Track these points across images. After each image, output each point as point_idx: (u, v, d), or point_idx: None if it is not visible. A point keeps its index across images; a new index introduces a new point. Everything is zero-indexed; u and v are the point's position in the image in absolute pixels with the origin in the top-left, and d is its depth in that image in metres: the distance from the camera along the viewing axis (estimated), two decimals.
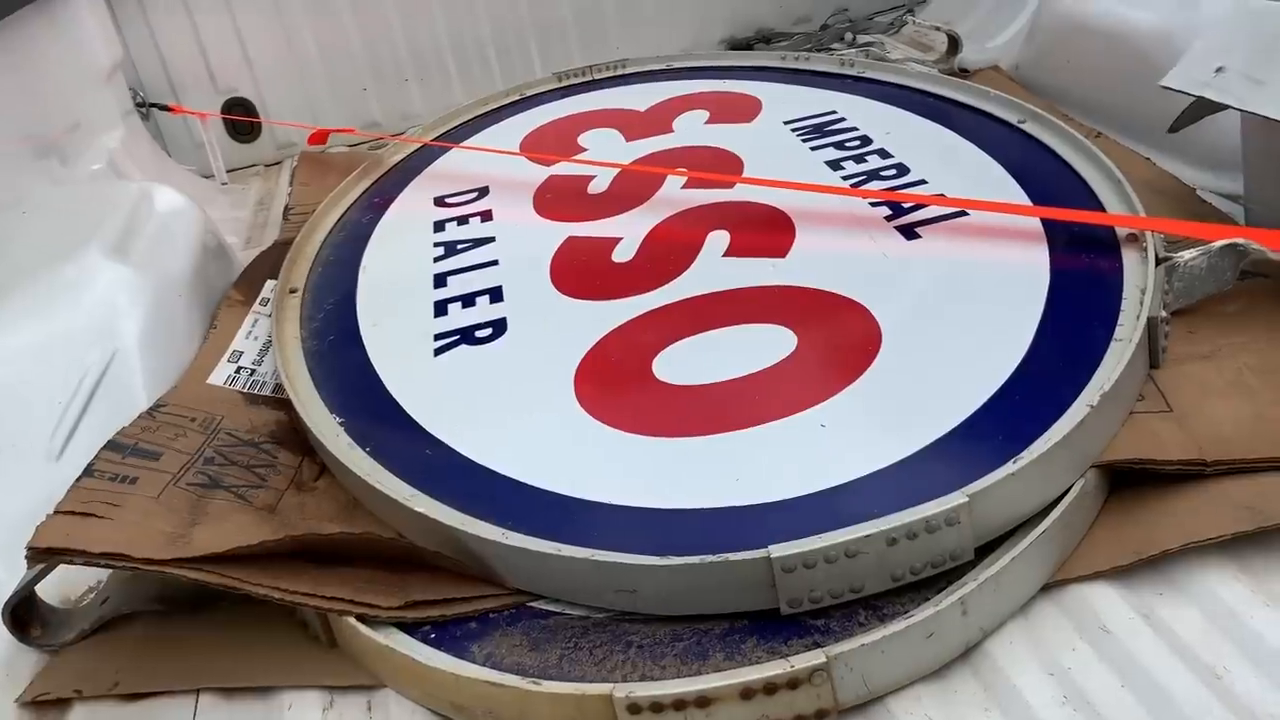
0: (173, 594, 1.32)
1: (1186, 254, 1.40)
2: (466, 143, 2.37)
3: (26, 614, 1.28)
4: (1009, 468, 1.11)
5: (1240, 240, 1.39)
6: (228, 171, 2.87)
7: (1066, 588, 1.13)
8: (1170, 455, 1.19)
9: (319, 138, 2.64)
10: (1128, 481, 1.22)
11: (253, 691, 1.20)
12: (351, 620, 1.17)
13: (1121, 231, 1.51)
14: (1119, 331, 1.32)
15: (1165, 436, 1.22)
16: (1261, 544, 1.13)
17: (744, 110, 2.30)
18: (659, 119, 2.33)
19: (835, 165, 1.95)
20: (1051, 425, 1.18)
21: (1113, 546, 1.15)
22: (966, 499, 1.08)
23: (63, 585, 1.36)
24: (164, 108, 2.83)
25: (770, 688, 1.00)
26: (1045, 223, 1.60)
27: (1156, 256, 1.41)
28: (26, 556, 1.19)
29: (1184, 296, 1.40)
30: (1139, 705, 1.00)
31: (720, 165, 2.02)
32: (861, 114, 2.16)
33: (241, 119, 2.90)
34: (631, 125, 2.31)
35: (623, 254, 1.78)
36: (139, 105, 2.79)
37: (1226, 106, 1.50)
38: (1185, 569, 1.13)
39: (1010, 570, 1.08)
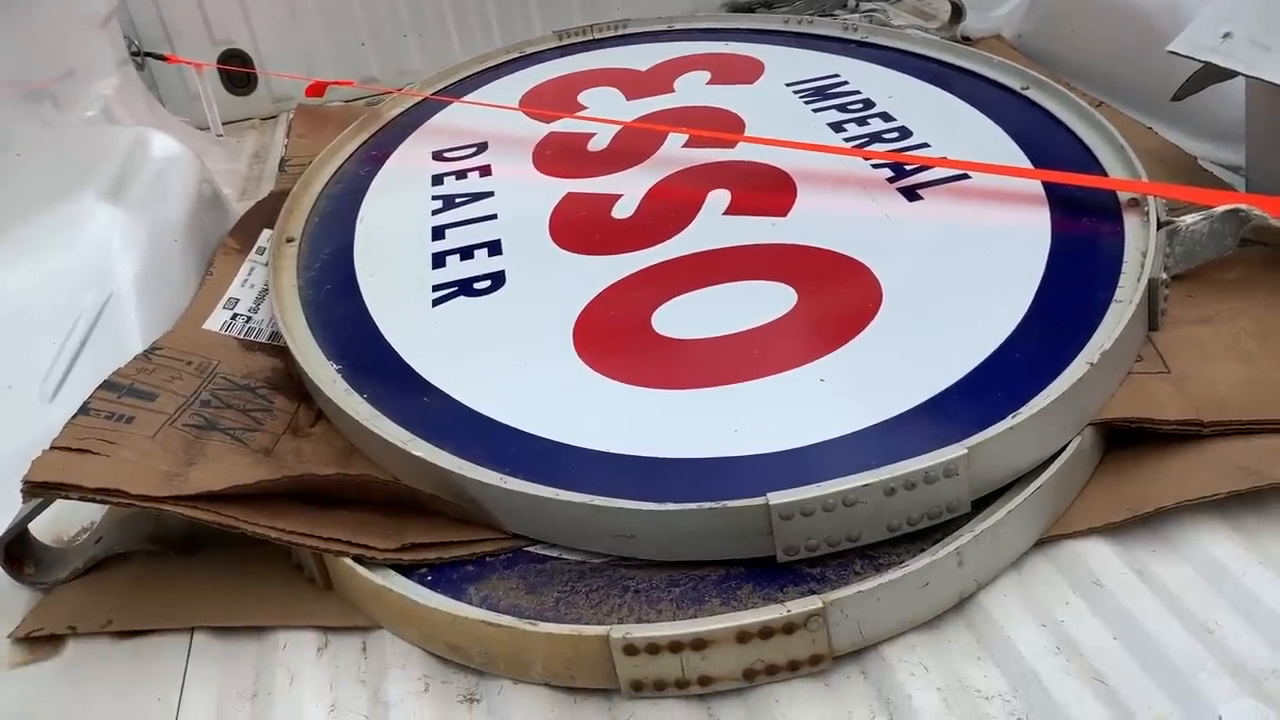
0: (167, 534, 1.32)
1: (1188, 218, 1.40)
2: (466, 98, 2.35)
3: (20, 551, 1.28)
4: (1008, 422, 1.11)
5: (1242, 206, 1.40)
6: (223, 124, 2.84)
7: (1061, 543, 1.14)
8: (1167, 415, 1.19)
9: (316, 90, 2.62)
10: (1125, 441, 1.23)
11: (247, 631, 1.20)
12: (348, 561, 1.17)
13: (1123, 196, 1.51)
14: (1119, 293, 1.32)
15: (1163, 397, 1.22)
16: (1254, 504, 1.14)
17: (746, 72, 2.29)
18: (660, 79, 2.31)
19: (837, 127, 1.94)
20: (1050, 383, 1.19)
21: (1107, 503, 1.15)
22: (965, 451, 1.08)
23: (56, 525, 1.36)
24: (159, 57, 2.80)
25: (766, 632, 1.01)
26: (1047, 186, 1.60)
27: (1158, 220, 1.41)
28: (22, 491, 1.18)
29: (1184, 261, 1.41)
30: (1131, 658, 1.01)
31: (722, 125, 2.01)
32: (864, 78, 2.15)
33: (238, 69, 2.87)
34: (632, 84, 2.30)
35: (623, 210, 1.78)
36: (134, 54, 2.76)
37: (1233, 73, 1.50)
38: (1178, 527, 1.14)
39: (1006, 523, 1.09)
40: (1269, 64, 1.41)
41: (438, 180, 1.99)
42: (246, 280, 1.79)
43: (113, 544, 1.31)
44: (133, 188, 1.85)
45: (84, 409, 1.31)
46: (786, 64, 2.29)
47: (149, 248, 1.76)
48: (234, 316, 1.68)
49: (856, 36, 2.37)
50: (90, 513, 1.37)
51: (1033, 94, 1.92)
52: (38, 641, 1.23)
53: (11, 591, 1.29)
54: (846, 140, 1.89)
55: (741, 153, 1.90)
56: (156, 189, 1.88)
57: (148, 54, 2.82)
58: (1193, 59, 1.54)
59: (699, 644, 1.01)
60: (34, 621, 1.24)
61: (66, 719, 1.14)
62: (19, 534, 1.26)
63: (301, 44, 2.90)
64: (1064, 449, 1.15)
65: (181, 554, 1.30)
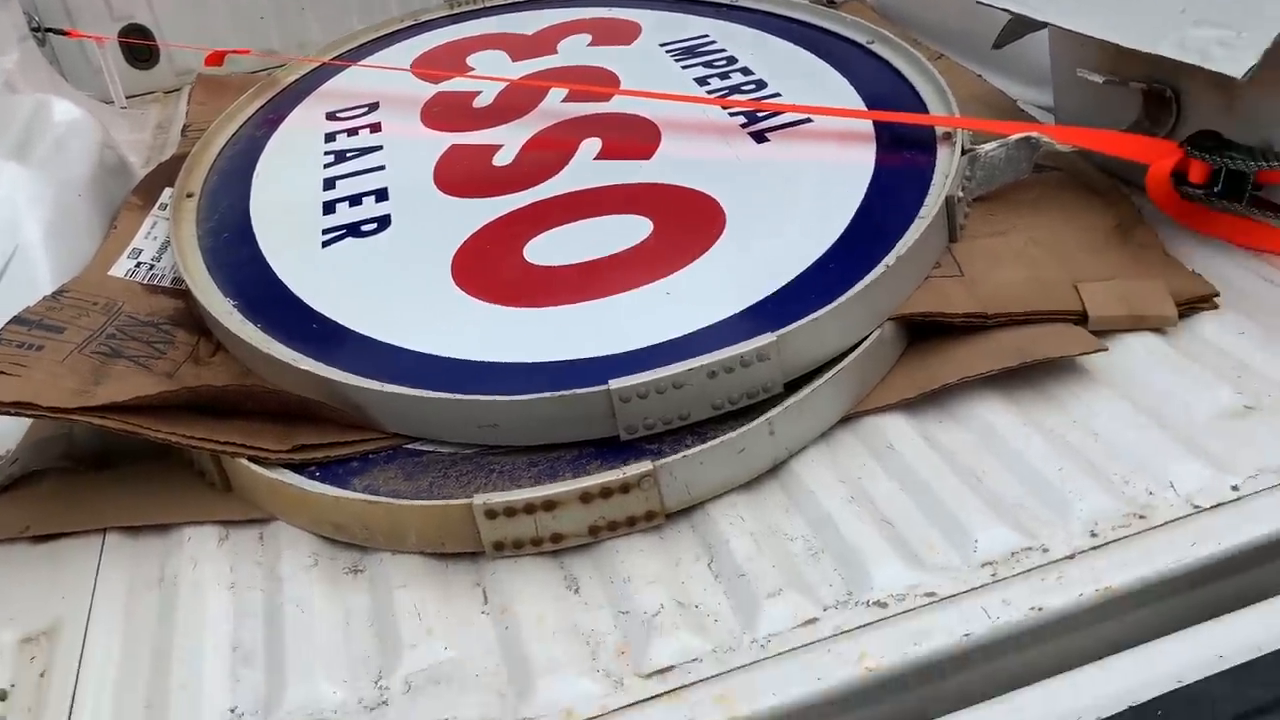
0: (79, 452, 1.45)
1: (987, 146, 1.60)
2: (360, 63, 2.48)
3: None
4: (813, 315, 1.30)
5: (1033, 134, 1.60)
6: (126, 97, 2.92)
7: (863, 418, 1.33)
8: (957, 309, 1.39)
9: (215, 59, 2.71)
10: (925, 336, 1.42)
11: (154, 529, 1.34)
12: (244, 461, 1.31)
13: (939, 132, 1.71)
14: (923, 211, 1.51)
15: (954, 296, 1.42)
16: (1027, 379, 1.34)
17: (624, 34, 2.45)
18: (545, 42, 2.46)
19: (702, 81, 2.11)
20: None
21: (904, 385, 1.35)
22: (775, 338, 1.26)
23: None
24: (60, 32, 2.86)
25: (606, 492, 1.18)
26: (876, 127, 1.78)
27: (963, 149, 1.61)
28: None
29: (985, 184, 1.61)
30: (912, 503, 1.20)
31: (598, 81, 2.17)
32: (731, 38, 2.32)
33: (139, 42, 2.95)
34: (518, 47, 2.44)
35: (502, 159, 1.93)
36: (34, 30, 2.82)
37: (1036, 22, 1.70)
38: (963, 402, 1.33)
39: (812, 399, 1.27)
40: (1055, 9, 1.62)
41: (330, 138, 2.12)
42: (150, 233, 1.90)
43: (28, 463, 1.44)
44: (37, 149, 1.96)
45: None
46: (662, 27, 2.45)
47: (54, 204, 1.87)
48: (138, 264, 1.79)
49: (729, 1, 2.54)
50: (6, 442, 1.48)
51: (877, 48, 2.11)
52: None
53: None
54: (709, 93, 2.06)
55: (615, 105, 2.06)
56: (60, 150, 1.99)
57: (48, 29, 2.87)
58: (996, 8, 1.74)
59: (549, 505, 1.18)
60: None
61: None
62: None
63: (202, 18, 2.98)
64: (865, 339, 1.34)
65: (93, 469, 1.43)
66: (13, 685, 1.16)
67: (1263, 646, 0.95)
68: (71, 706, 1.11)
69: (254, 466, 1.31)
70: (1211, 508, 1.13)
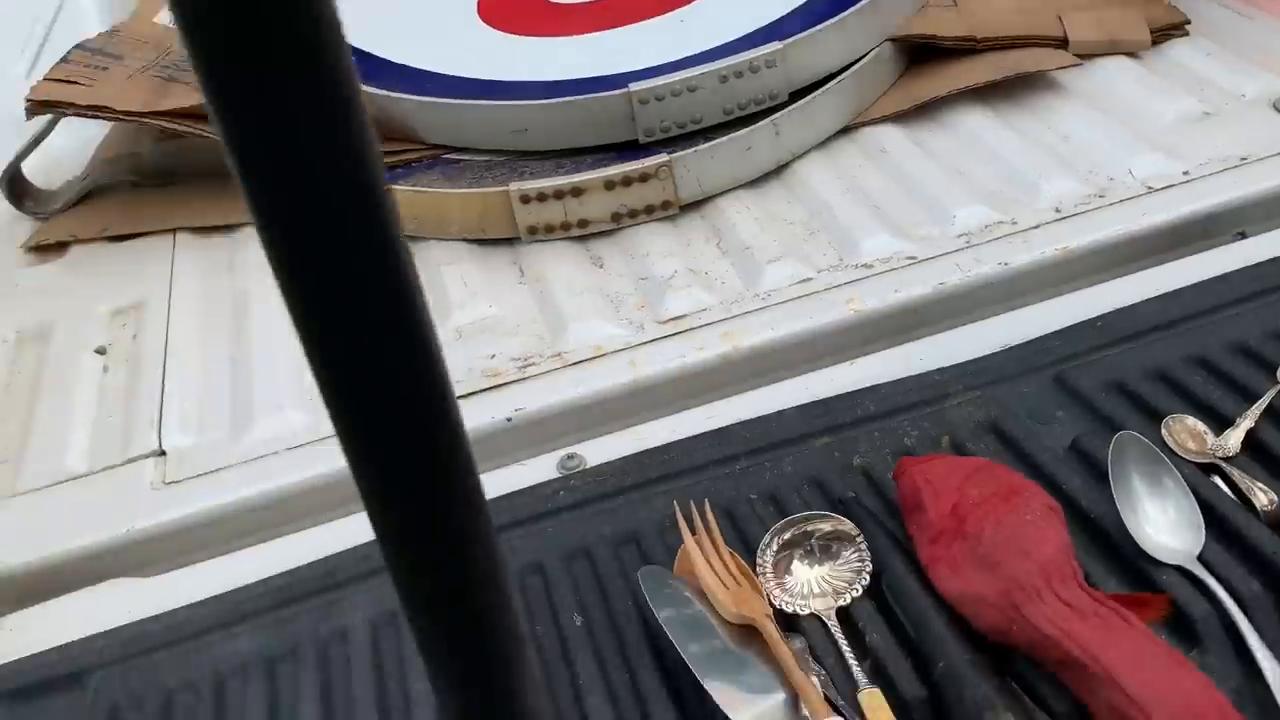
0: (145, 169, 1.60)
1: None
2: None
3: (20, 188, 1.55)
4: (818, 27, 1.42)
5: None
6: None
7: (861, 129, 1.46)
8: (949, 33, 1.51)
9: None
10: (920, 62, 1.54)
11: (219, 230, 1.50)
12: None
13: None
14: None
15: (948, 21, 1.53)
16: (1010, 94, 1.47)
17: None
18: None
19: None
20: None
21: (899, 99, 1.48)
22: (781, 45, 1.38)
23: (49, 174, 1.62)
24: None
25: (627, 180, 1.33)
26: None
27: None
28: (25, 108, 1.44)
29: None
30: (900, 190, 1.35)
31: None
32: None
33: None
34: None
35: None
36: None
37: None
38: (952, 114, 1.46)
39: (814, 105, 1.41)
40: None
41: None
42: None
43: (99, 179, 1.58)
44: None
45: (65, 59, 1.55)
46: None
47: None
48: None
49: None
50: (76, 166, 1.63)
51: None
52: (45, 249, 1.51)
53: (16, 221, 1.57)
54: None
55: None
56: None
57: None
58: None
59: (577, 191, 1.33)
60: (40, 235, 1.52)
61: (75, 296, 1.43)
62: (17, 171, 1.53)
63: None
64: (865, 56, 1.46)
65: (158, 184, 1.58)
66: (110, 343, 1.33)
67: (1190, 280, 1.11)
68: (165, 354, 1.29)
69: None
70: (1163, 188, 1.28)
